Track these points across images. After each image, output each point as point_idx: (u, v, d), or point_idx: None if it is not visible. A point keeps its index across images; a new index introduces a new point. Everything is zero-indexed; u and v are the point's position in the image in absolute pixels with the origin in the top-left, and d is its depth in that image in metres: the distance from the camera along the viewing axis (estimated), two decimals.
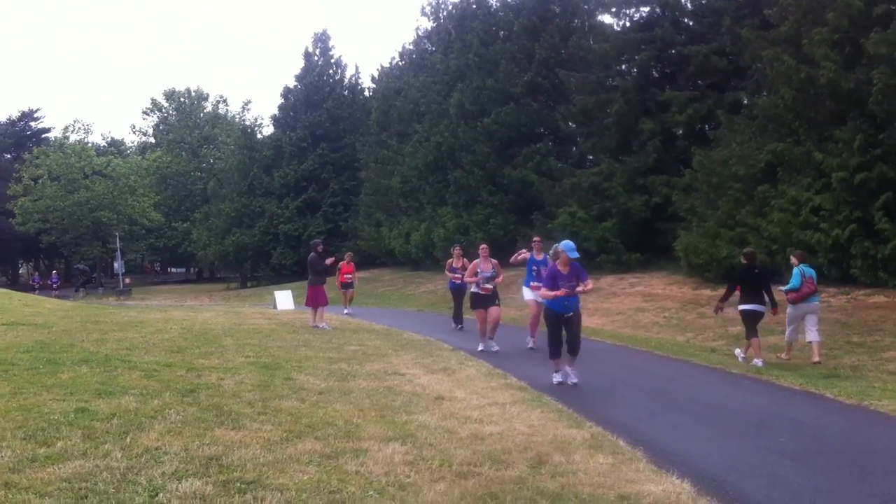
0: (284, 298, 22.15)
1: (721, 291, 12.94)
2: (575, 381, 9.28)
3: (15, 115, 71.41)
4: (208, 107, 75.98)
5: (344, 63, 54.57)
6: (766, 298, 11.92)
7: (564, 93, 30.18)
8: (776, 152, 18.15)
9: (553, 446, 6.12)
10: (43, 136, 69.43)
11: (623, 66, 27.53)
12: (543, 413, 7.38)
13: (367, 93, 52.91)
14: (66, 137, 61.61)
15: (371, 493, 4.74)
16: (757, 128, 19.56)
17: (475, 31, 35.79)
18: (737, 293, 12.22)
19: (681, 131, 25.32)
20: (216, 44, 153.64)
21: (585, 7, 32.36)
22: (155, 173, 66.20)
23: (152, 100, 76.90)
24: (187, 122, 73.03)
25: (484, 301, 12.35)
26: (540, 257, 12.68)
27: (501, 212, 32.63)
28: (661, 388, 9.42)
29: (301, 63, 52.99)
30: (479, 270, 12.43)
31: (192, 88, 75.31)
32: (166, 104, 75.50)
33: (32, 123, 71.78)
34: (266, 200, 51.04)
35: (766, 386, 9.60)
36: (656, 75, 26.91)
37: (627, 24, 27.44)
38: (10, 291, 23.15)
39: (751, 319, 11.98)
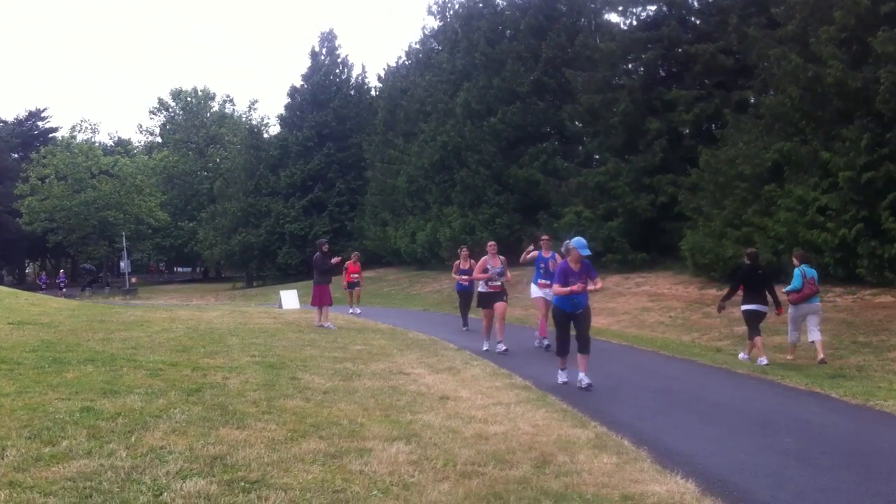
0: (290, 298, 22.15)
1: (726, 291, 12.92)
2: (588, 382, 8.93)
3: (22, 114, 72.03)
4: (215, 106, 76.27)
5: (350, 62, 54.62)
6: (770, 298, 11.90)
7: (571, 92, 30.17)
8: (783, 151, 18.10)
9: (557, 446, 6.11)
10: (50, 135, 69.75)
11: (629, 65, 27.51)
12: (548, 413, 7.37)
13: (373, 92, 52.87)
14: (74, 137, 61.76)
15: (375, 492, 4.75)
16: (763, 127, 19.50)
17: (482, 30, 35.75)
18: (740, 293, 12.20)
19: (687, 130, 25.26)
20: (223, 43, 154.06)
21: (592, 6, 32.36)
22: (161, 173, 66.40)
23: (159, 99, 77.34)
24: (194, 122, 73.24)
25: (492, 299, 12.28)
26: (548, 255, 12.65)
27: (507, 211, 32.63)
28: (666, 388, 9.41)
29: (307, 62, 53.06)
30: (488, 267, 12.38)
31: (199, 88, 75.75)
32: (173, 104, 75.78)
33: (40, 123, 72.15)
34: (272, 200, 51.09)
35: (772, 386, 9.58)
36: (663, 74, 26.86)
37: (634, 22, 27.40)
38: (16, 291, 23.23)
39: (753, 319, 11.97)
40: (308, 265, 34.70)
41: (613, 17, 29.92)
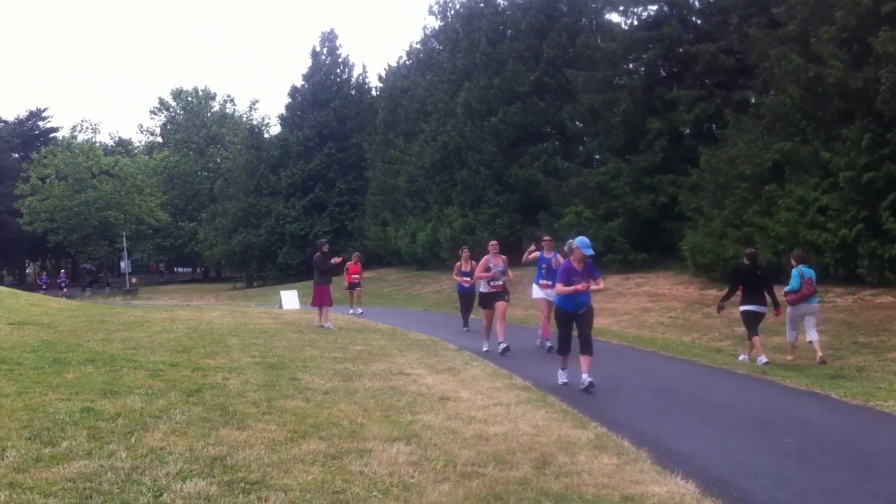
0: (290, 298, 22.16)
1: (725, 291, 12.92)
2: (590, 381, 8.77)
3: (23, 114, 72.08)
4: (216, 106, 76.27)
5: (351, 62, 54.72)
6: (769, 299, 11.89)
7: (571, 92, 30.16)
8: (783, 151, 18.09)
9: (557, 447, 6.11)
10: (51, 135, 69.80)
11: (630, 65, 27.51)
12: (548, 413, 7.37)
13: (374, 92, 52.88)
14: (74, 137, 61.81)
15: (375, 493, 4.74)
16: (764, 127, 19.49)
17: (483, 29, 35.74)
18: (739, 293, 12.20)
19: (688, 130, 25.25)
20: (224, 43, 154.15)
21: (593, 6, 32.39)
22: (162, 173, 66.43)
23: (160, 99, 77.32)
24: (195, 122, 73.26)
25: (494, 298, 12.24)
26: (550, 255, 12.63)
27: (508, 211, 32.62)
28: (667, 388, 9.41)
29: (308, 62, 53.12)
30: (491, 265, 12.36)
31: (200, 88, 75.79)
32: (174, 104, 75.79)
33: (40, 123, 72.20)
34: (272, 200, 51.09)
35: (772, 386, 9.58)
36: (664, 74, 26.86)
37: (635, 22, 27.40)
38: (16, 291, 23.24)
39: (751, 320, 11.97)
40: (308, 265, 34.68)
41: (614, 17, 30.01)
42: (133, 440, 5.50)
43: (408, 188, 39.25)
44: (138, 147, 78.73)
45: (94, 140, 64.99)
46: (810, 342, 11.85)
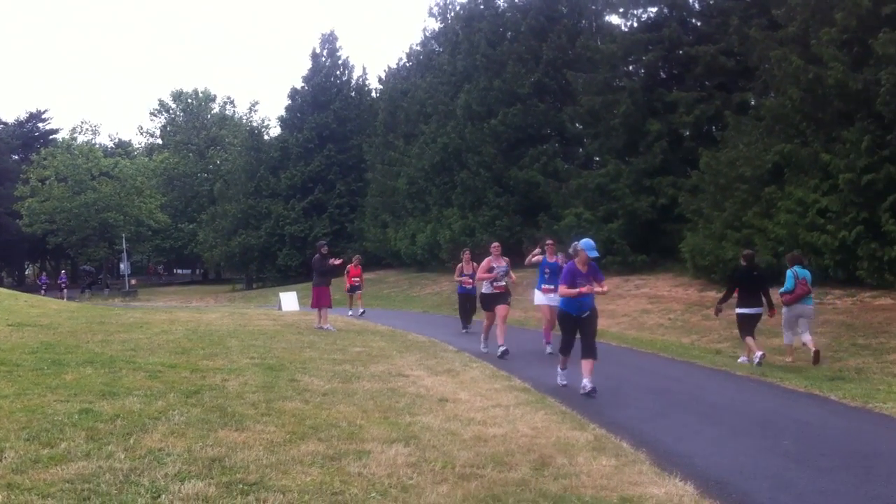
0: (289, 300, 22.18)
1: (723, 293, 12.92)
2: (591, 386, 8.63)
3: (23, 116, 72.12)
4: (215, 108, 76.30)
5: (351, 64, 54.64)
6: (764, 301, 11.90)
7: (571, 93, 30.16)
8: (783, 153, 18.09)
9: (556, 448, 6.10)
10: (50, 137, 69.82)
11: (630, 67, 27.52)
12: (547, 415, 7.36)
13: (374, 94, 52.93)
14: (74, 138, 61.84)
15: (373, 494, 4.74)
16: (764, 129, 19.49)
17: (482, 31, 35.75)
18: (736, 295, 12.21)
19: (688, 132, 25.26)
20: (224, 44, 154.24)
21: (593, 7, 32.38)
22: (162, 174, 66.45)
23: (160, 101, 77.27)
24: (194, 124, 73.28)
25: (496, 300, 12.21)
26: (552, 259, 12.57)
27: (507, 213, 32.61)
28: (666, 390, 9.40)
29: (308, 64, 53.13)
30: (493, 266, 12.33)
31: (200, 89, 75.76)
32: (174, 105, 75.80)
33: (40, 125, 72.19)
34: (272, 202, 51.12)
35: (771, 388, 9.58)
36: (663, 76, 26.88)
37: (635, 24, 27.41)
38: (15, 292, 23.23)
39: (745, 322, 11.97)
40: (308, 267, 34.67)
41: (614, 19, 30.03)
42: (132, 441, 5.50)
43: (407, 190, 39.25)
44: (138, 149, 78.79)
45: (93, 142, 65.12)
46: (804, 343, 11.86)
